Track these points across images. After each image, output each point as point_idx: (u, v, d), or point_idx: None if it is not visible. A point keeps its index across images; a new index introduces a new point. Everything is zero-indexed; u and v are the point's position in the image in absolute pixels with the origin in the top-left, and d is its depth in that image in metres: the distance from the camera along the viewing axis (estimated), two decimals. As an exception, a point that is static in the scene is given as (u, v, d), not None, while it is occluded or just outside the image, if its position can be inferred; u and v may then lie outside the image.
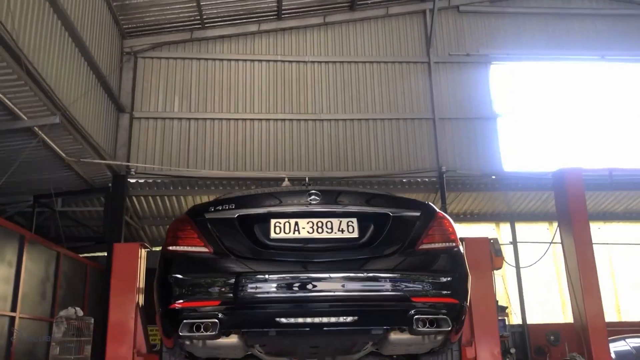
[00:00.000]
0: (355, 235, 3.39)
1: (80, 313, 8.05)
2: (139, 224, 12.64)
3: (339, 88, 12.24)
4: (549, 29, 13.32)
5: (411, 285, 3.24)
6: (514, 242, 13.16)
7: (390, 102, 12.24)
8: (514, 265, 12.91)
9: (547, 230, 13.58)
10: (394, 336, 3.34)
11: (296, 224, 3.41)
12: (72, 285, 10.49)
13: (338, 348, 3.83)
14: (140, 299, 6.45)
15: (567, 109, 12.91)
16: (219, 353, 3.66)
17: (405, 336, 3.32)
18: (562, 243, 7.21)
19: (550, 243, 7.23)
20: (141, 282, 6.51)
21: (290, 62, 12.30)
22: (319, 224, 3.40)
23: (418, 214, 3.53)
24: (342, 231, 3.39)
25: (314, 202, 3.47)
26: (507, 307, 12.23)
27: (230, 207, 3.48)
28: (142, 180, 11.23)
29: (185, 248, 3.36)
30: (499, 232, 13.59)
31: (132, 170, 10.97)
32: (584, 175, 7.22)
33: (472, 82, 12.62)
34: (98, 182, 10.90)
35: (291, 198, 3.58)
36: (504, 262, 7.29)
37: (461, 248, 3.56)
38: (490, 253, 6.40)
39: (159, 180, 11.33)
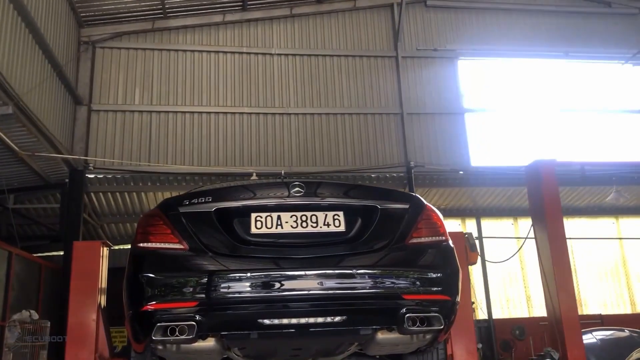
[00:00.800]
0: (341, 229, 3.20)
1: (36, 316, 7.62)
2: (97, 222, 12.12)
3: (306, 81, 12.01)
4: (515, 26, 13.42)
5: (402, 281, 3.08)
6: (480, 238, 13.21)
7: (359, 96, 12.09)
8: (480, 260, 12.97)
9: (512, 226, 13.71)
10: (382, 336, 3.17)
11: (279, 218, 3.19)
12: (26, 287, 9.94)
13: (321, 349, 3.62)
14: (103, 300, 6.09)
15: (533, 104, 13.04)
16: (194, 358, 3.41)
17: (393, 335, 3.16)
18: (535, 237, 7.16)
19: (526, 238, 7.18)
20: (103, 282, 6.16)
21: (256, 54, 12.00)
22: (303, 218, 3.20)
23: (407, 206, 3.36)
24: (328, 225, 3.19)
25: (297, 195, 3.27)
26: (473, 302, 12.27)
27: (207, 200, 3.23)
28: (101, 176, 10.74)
29: (158, 245, 3.10)
30: (465, 227, 13.63)
31: (91, 165, 10.49)
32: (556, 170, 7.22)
33: (440, 77, 12.60)
34: (54, 178, 10.36)
35: (273, 190, 3.37)
36: (478, 257, 7.21)
37: (451, 242, 3.41)
38: (465, 248, 6.32)
39: (119, 176, 10.86)
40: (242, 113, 11.57)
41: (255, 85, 11.80)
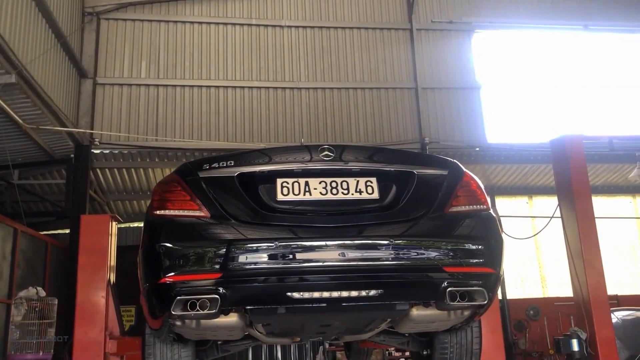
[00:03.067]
0: (375, 196, 2.96)
1: (43, 293, 7.37)
2: (103, 199, 11.89)
3: (317, 55, 11.64)
4: (533, -3, 12.97)
5: (442, 253, 2.84)
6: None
7: (372, 70, 11.73)
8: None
9: (527, 204, 13.43)
10: (417, 312, 2.95)
11: (306, 184, 2.95)
12: (32, 265, 9.74)
13: (351, 327, 3.41)
14: (112, 277, 5.86)
15: (551, 79, 12.66)
16: (214, 334, 3.22)
17: (429, 312, 2.94)
18: (561, 215, 6.92)
19: (551, 217, 6.89)
20: (112, 258, 5.92)
21: (266, 26, 11.63)
22: (333, 184, 2.96)
23: (445, 172, 3.13)
24: (360, 192, 2.96)
25: (327, 159, 3.01)
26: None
27: (229, 164, 2.99)
28: (107, 151, 10.47)
29: (177, 212, 2.86)
30: (478, 206, 13.34)
31: (96, 140, 10.21)
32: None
33: (456, 50, 12.21)
34: (59, 153, 10.09)
35: (300, 155, 3.10)
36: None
37: (492, 211, 3.15)
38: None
39: (126, 151, 10.58)
40: (252, 87, 11.24)
41: (265, 58, 11.45)
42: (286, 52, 11.55)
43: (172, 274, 2.67)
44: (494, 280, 2.92)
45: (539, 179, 12.91)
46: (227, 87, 11.15)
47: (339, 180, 2.97)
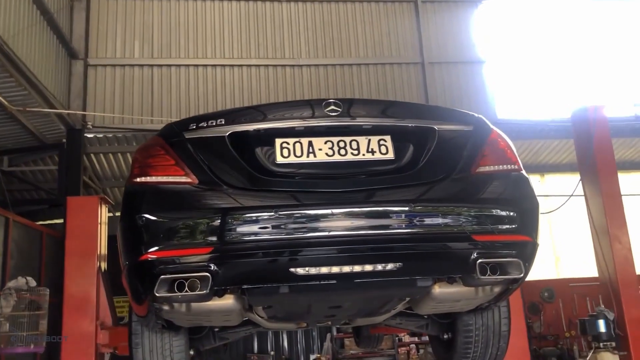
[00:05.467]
0: (389, 156, 2.58)
1: (33, 283, 6.95)
2: (99, 186, 11.48)
3: (318, 30, 11.16)
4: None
5: (471, 219, 2.45)
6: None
7: (375, 45, 11.26)
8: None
9: (539, 183, 13.00)
10: (440, 289, 2.56)
11: (310, 144, 2.57)
12: (26, 255, 9.34)
13: (364, 308, 3.02)
14: (103, 263, 5.45)
15: (561, 50, 12.14)
16: (208, 320, 2.83)
17: (454, 289, 2.55)
18: (584, 192, 6.51)
19: (570, 196, 6.47)
20: (103, 243, 5.51)
21: (264, 1, 11.14)
22: (341, 144, 2.57)
23: (470, 128, 2.74)
24: (372, 152, 2.58)
25: (333, 115, 2.59)
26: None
27: (218, 123, 2.58)
28: (100, 135, 10.04)
29: (159, 179, 2.47)
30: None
31: (90, 123, 9.76)
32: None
33: (462, 23, 11.72)
34: (50, 138, 9.66)
35: (302, 110, 2.69)
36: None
37: (524, 172, 2.73)
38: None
39: (120, 135, 10.15)
40: (250, 65, 10.78)
41: (264, 34, 10.98)
42: (285, 28, 11.07)
43: (155, 249, 2.30)
44: (530, 249, 2.52)
45: (551, 156, 12.48)
46: (224, 65, 10.70)
47: (347, 139, 2.59)
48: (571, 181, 11.73)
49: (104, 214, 5.48)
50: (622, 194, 6.21)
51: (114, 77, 10.29)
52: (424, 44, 11.35)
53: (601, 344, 5.86)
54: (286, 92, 10.75)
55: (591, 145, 6.16)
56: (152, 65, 10.45)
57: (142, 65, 10.42)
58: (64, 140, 9.67)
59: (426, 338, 10.58)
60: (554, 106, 11.46)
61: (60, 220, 10.98)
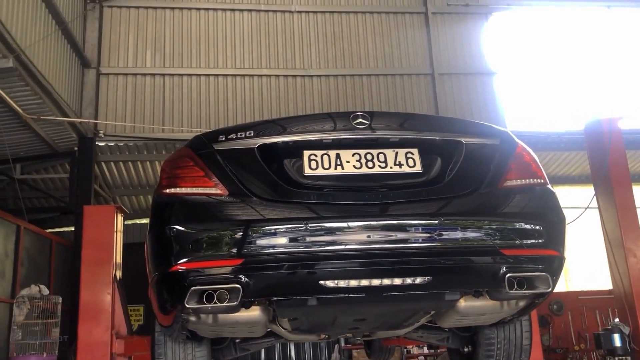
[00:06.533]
0: (417, 169, 2.57)
1: (46, 291, 7.01)
2: (109, 194, 11.49)
3: (329, 41, 11.21)
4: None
5: (499, 233, 2.43)
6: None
7: (386, 56, 11.29)
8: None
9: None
10: (465, 303, 2.57)
11: (337, 156, 2.56)
12: (36, 263, 9.38)
13: (389, 321, 2.99)
14: (118, 272, 5.45)
15: (572, 62, 12.12)
16: (232, 331, 2.82)
17: (480, 303, 2.57)
18: (598, 204, 6.48)
19: (586, 208, 6.43)
20: (118, 252, 5.51)
21: (275, 12, 11.21)
22: (368, 157, 2.57)
23: (496, 142, 2.73)
24: (400, 165, 2.57)
25: (361, 128, 2.59)
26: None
27: (248, 135, 2.58)
28: (112, 144, 10.09)
29: (189, 190, 2.47)
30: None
31: (101, 131, 9.80)
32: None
33: (472, 34, 11.76)
34: (62, 146, 9.70)
35: (329, 123, 2.69)
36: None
37: (550, 186, 2.73)
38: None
39: (131, 144, 10.19)
40: (261, 75, 10.83)
41: (275, 45, 11.03)
42: (296, 39, 11.12)
43: (186, 260, 2.29)
44: (557, 264, 2.53)
45: (561, 167, 12.44)
46: (235, 75, 10.75)
47: (374, 152, 2.58)
48: (581, 193, 11.71)
49: (119, 222, 5.48)
50: (636, 206, 6.17)
51: (126, 86, 10.35)
52: (434, 55, 11.38)
53: (616, 358, 5.82)
54: (297, 103, 10.78)
55: (606, 157, 6.14)
56: (163, 75, 10.52)
57: (153, 75, 10.49)
58: (76, 148, 9.72)
59: (434, 350, 10.54)
60: (563, 118, 11.44)
61: (70, 228, 11.03)
